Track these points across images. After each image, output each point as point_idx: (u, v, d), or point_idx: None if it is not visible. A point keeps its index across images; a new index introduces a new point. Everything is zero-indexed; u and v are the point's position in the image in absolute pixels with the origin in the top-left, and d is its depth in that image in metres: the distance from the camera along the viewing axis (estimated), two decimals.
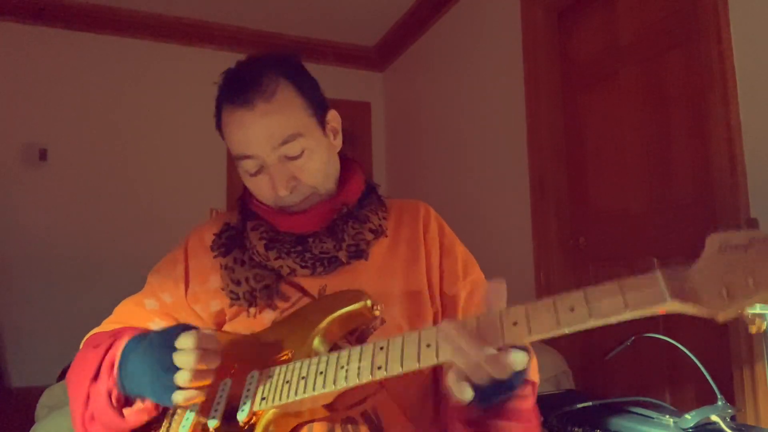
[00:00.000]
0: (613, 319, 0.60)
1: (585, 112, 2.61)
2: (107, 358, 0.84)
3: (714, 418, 1.23)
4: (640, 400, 1.44)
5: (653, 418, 1.32)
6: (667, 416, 1.30)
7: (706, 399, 1.46)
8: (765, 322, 0.55)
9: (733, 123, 1.83)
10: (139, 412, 0.81)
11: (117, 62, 3.75)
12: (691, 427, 1.23)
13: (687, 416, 1.24)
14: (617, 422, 1.34)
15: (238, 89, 0.89)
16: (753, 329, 0.57)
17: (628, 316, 0.59)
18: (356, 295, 0.82)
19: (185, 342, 0.75)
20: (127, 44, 3.78)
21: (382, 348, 0.71)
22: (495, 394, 0.68)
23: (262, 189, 0.91)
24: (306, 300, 0.90)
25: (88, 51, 3.69)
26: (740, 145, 1.82)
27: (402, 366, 0.68)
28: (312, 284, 0.91)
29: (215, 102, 0.96)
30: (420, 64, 3.96)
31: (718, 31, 1.88)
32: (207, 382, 0.75)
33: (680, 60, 2.13)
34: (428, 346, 0.67)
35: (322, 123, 0.94)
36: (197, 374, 0.74)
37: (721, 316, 0.55)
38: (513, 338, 0.64)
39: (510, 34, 2.94)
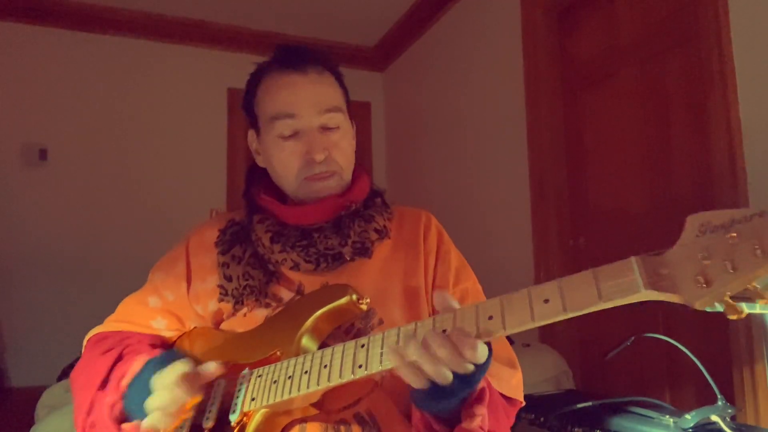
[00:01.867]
0: (589, 311, 0.58)
1: (585, 112, 2.61)
2: (117, 370, 0.85)
3: (714, 418, 1.23)
4: (640, 400, 1.45)
5: (653, 418, 1.32)
6: (667, 416, 1.30)
7: (706, 399, 1.46)
8: (746, 310, 0.51)
9: (733, 123, 1.83)
10: (134, 428, 0.81)
11: (117, 62, 3.75)
12: (691, 427, 1.23)
13: (687, 416, 1.24)
14: (617, 422, 1.34)
15: (292, 58, 0.94)
16: (733, 316, 0.52)
17: (603, 306, 0.57)
18: (341, 290, 0.82)
19: (167, 375, 0.77)
20: (127, 44, 3.78)
21: (363, 346, 0.71)
22: (452, 393, 0.67)
23: (290, 155, 0.93)
24: None
25: (88, 51, 3.69)
26: (740, 145, 1.82)
27: (381, 364, 0.68)
28: (312, 281, 0.91)
29: (253, 76, 0.99)
30: (420, 64, 3.96)
31: (718, 31, 1.88)
32: (175, 417, 0.77)
33: (680, 60, 2.13)
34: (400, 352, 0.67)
35: (351, 117, 1.00)
36: (167, 411, 0.75)
37: (698, 305, 0.51)
38: (488, 332, 0.63)
39: (510, 34, 2.94)
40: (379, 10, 3.78)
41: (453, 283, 0.95)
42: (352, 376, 0.69)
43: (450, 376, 0.64)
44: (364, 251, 0.91)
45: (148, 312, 0.97)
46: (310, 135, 0.92)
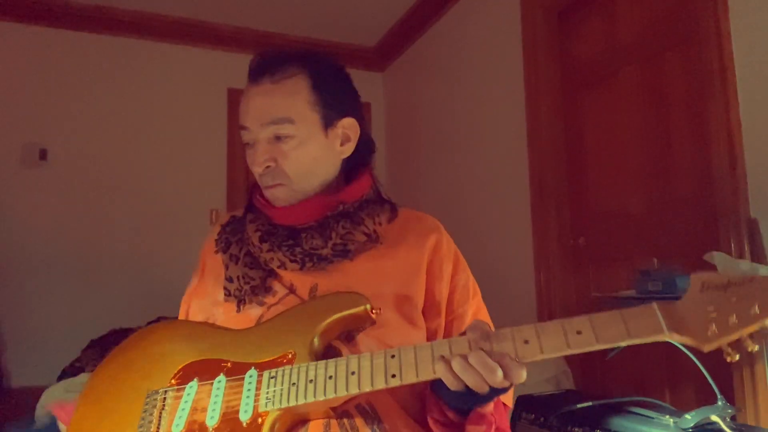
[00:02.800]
0: (615, 344, 0.67)
1: (585, 112, 2.61)
2: None
3: (714, 418, 1.23)
4: (640, 400, 1.45)
5: (653, 418, 1.32)
6: (667, 416, 1.30)
7: (706, 399, 1.46)
8: (738, 354, 0.65)
9: (733, 123, 1.83)
10: None
11: (117, 62, 3.75)
12: (691, 427, 1.23)
13: (687, 416, 1.25)
14: (617, 422, 1.34)
15: (253, 68, 0.96)
16: (728, 358, 0.65)
17: (628, 342, 0.67)
18: (358, 299, 0.83)
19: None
20: (127, 44, 3.78)
21: (393, 356, 0.74)
22: (484, 399, 0.73)
23: (251, 164, 0.96)
24: (293, 297, 0.91)
25: (88, 51, 3.69)
26: (740, 145, 1.82)
27: (417, 375, 0.72)
28: (302, 281, 0.92)
29: None
30: (420, 64, 3.96)
31: (718, 31, 1.88)
32: None
33: (680, 60, 2.13)
34: (445, 359, 0.71)
35: (326, 123, 0.96)
36: None
37: (707, 348, 0.64)
38: (525, 355, 0.69)
39: (510, 34, 2.94)
40: (379, 10, 3.78)
41: (472, 294, 0.97)
42: (385, 384, 0.72)
43: (487, 389, 0.70)
44: (344, 253, 0.92)
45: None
46: (256, 147, 0.94)
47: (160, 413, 0.82)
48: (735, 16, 1.84)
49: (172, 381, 0.85)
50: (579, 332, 0.68)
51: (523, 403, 1.55)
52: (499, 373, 0.68)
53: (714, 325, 0.64)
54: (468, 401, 0.75)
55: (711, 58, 1.91)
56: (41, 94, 3.56)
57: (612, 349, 1.57)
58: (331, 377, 0.75)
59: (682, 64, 2.12)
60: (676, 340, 0.66)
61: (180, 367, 0.86)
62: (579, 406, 1.46)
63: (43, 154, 3.51)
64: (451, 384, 0.70)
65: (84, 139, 3.63)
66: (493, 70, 3.12)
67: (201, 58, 3.93)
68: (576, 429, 1.40)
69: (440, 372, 0.70)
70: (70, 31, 3.64)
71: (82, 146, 3.63)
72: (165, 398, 0.83)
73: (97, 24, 3.67)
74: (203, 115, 3.90)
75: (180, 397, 0.82)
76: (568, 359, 2.27)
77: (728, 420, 1.23)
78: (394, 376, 0.72)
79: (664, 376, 2.13)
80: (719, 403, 1.24)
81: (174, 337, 0.92)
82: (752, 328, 0.62)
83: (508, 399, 0.93)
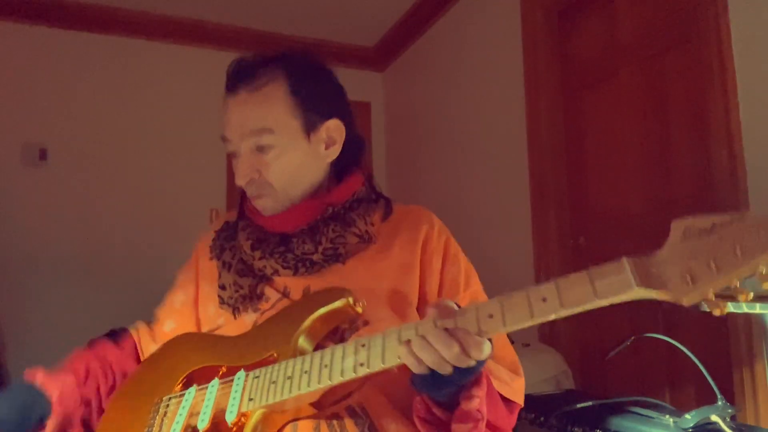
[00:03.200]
0: (585, 308, 0.62)
1: (585, 112, 2.61)
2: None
3: (714, 418, 1.23)
4: (640, 400, 1.45)
5: (653, 418, 1.32)
6: (667, 416, 1.30)
7: (706, 399, 1.46)
8: (727, 306, 0.57)
9: (733, 123, 1.83)
10: None
11: (117, 62, 3.75)
12: (691, 427, 1.23)
13: (687, 416, 1.25)
14: (617, 422, 1.35)
15: (231, 77, 0.93)
16: (716, 312, 0.57)
17: (599, 303, 0.61)
18: (338, 293, 0.82)
19: None
20: (127, 44, 3.77)
21: (363, 345, 0.73)
22: (452, 382, 0.70)
23: (235, 173, 0.95)
24: (286, 301, 0.91)
25: (88, 51, 3.68)
26: (740, 145, 1.82)
27: (383, 362, 0.70)
28: (296, 285, 0.92)
29: None
30: (420, 64, 3.96)
31: (718, 31, 1.88)
32: None
33: (680, 60, 2.13)
34: (408, 342, 0.69)
35: (308, 129, 0.94)
36: None
37: (686, 301, 0.57)
38: (489, 330, 0.66)
39: (510, 34, 2.93)
40: (379, 10, 3.78)
41: (464, 286, 0.95)
42: (354, 374, 0.71)
43: (450, 369, 0.67)
44: (336, 257, 0.91)
45: (166, 311, 1.03)
46: (238, 159, 0.93)
47: (162, 419, 0.83)
48: (735, 15, 1.84)
49: (176, 389, 0.87)
50: (544, 299, 0.63)
51: (523, 402, 1.55)
52: (455, 348, 0.65)
53: (690, 276, 0.57)
54: (437, 386, 0.71)
55: (711, 58, 1.91)
56: (41, 94, 3.56)
57: (612, 349, 1.57)
58: (306, 372, 0.75)
59: (682, 63, 2.12)
60: (646, 295, 0.59)
61: (183, 376, 0.88)
62: (579, 405, 1.46)
63: (43, 154, 3.51)
64: (413, 366, 0.68)
65: (84, 139, 3.63)
66: (493, 71, 3.11)
67: (201, 58, 3.93)
68: (576, 429, 1.40)
69: (403, 355, 0.68)
70: (70, 31, 3.64)
71: (82, 146, 3.62)
72: (168, 405, 0.85)
73: (97, 24, 3.67)
74: (203, 115, 3.89)
75: (180, 403, 0.83)
76: (568, 359, 2.27)
77: (728, 420, 1.23)
78: (362, 365, 0.71)
79: (664, 376, 2.13)
80: (719, 403, 1.24)
81: (181, 349, 0.93)
82: (734, 275, 0.54)
83: (519, 396, 0.90)
